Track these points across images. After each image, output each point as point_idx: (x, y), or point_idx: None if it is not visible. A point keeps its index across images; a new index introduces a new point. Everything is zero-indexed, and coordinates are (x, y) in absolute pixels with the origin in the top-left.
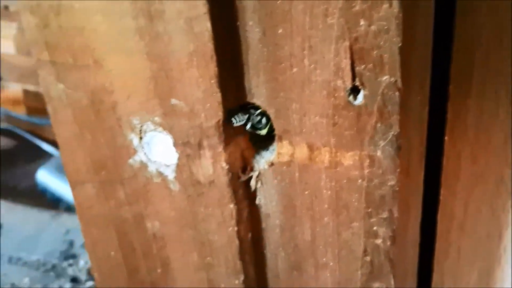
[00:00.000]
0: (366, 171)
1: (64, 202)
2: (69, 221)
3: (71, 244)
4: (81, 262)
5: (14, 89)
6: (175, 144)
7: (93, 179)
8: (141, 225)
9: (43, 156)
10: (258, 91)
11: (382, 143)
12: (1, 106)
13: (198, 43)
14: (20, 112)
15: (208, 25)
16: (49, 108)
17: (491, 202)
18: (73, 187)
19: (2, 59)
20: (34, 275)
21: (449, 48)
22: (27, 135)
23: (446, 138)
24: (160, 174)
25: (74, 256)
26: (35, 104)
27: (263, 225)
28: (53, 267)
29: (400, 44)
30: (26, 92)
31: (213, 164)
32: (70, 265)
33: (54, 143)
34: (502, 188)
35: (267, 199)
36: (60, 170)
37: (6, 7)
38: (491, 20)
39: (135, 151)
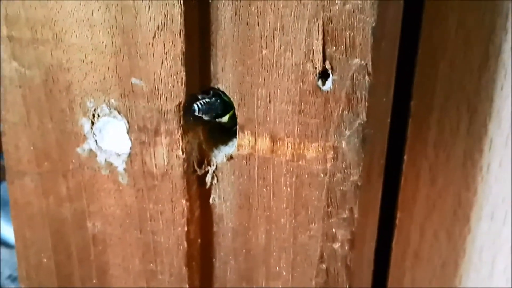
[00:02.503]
0: (329, 164)
1: None
2: None
3: None
4: None
5: None
6: (129, 131)
7: (34, 170)
8: (80, 226)
9: None
10: (223, 76)
11: (347, 133)
12: None
13: (167, 15)
14: None
15: None
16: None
17: (447, 227)
18: (11, 181)
19: None
20: None
21: (412, 64)
22: None
23: (405, 156)
24: (109, 165)
25: None
26: None
27: (215, 228)
28: None
29: (373, 24)
30: None
31: (168, 153)
32: None
33: None
34: (459, 213)
35: (222, 198)
36: None
37: None
38: (457, 32)
39: (85, 138)
